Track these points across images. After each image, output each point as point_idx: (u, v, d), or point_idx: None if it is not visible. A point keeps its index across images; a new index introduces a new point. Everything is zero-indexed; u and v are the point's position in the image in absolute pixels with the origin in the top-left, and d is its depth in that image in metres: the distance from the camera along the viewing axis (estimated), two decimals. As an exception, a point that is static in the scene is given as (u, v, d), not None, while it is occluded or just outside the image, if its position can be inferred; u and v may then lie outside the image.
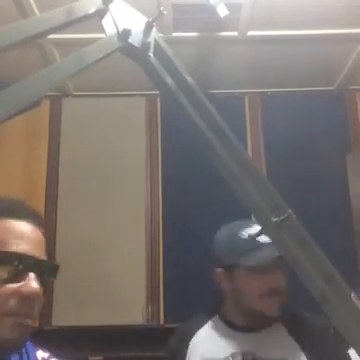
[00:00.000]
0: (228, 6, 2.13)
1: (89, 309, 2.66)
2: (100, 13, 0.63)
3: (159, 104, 3.02)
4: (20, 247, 0.81)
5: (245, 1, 2.26)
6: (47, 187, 2.92)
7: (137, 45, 0.65)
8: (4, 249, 0.80)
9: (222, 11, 2.12)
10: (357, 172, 2.85)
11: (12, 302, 0.78)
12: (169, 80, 0.67)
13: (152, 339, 2.63)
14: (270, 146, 3.02)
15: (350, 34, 2.50)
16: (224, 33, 2.52)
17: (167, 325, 2.73)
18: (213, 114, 0.69)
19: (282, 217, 0.66)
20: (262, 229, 0.70)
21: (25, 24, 0.54)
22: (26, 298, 0.79)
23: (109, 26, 0.63)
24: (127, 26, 0.63)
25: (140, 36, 0.66)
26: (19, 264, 0.80)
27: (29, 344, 0.89)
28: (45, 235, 0.89)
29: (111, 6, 0.64)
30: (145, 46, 0.66)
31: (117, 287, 2.72)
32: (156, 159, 2.98)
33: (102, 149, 2.97)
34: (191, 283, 2.75)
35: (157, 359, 2.64)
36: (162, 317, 2.77)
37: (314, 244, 0.68)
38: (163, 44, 0.68)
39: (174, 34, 2.50)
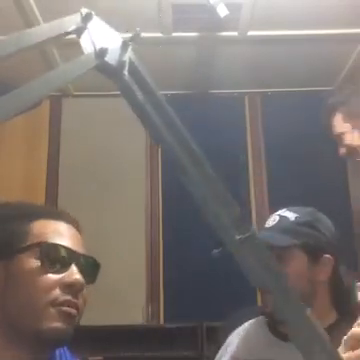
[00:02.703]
0: (228, 6, 2.13)
1: (89, 309, 2.65)
2: (78, 31, 0.66)
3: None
4: (61, 241, 0.84)
5: (245, 1, 2.26)
6: (47, 187, 2.92)
7: (113, 63, 0.67)
8: (46, 241, 0.82)
9: (222, 11, 2.13)
10: (357, 173, 2.84)
11: (57, 291, 0.80)
12: (142, 98, 0.70)
13: (152, 339, 2.64)
14: (270, 146, 3.02)
15: (350, 34, 2.50)
16: (224, 33, 2.52)
17: (167, 325, 2.73)
18: (184, 133, 0.72)
19: (246, 235, 0.68)
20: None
21: (8, 41, 0.56)
22: (70, 287, 0.81)
23: (87, 44, 0.65)
24: (104, 45, 0.65)
25: (116, 55, 0.68)
26: (61, 255, 0.82)
27: (69, 355, 0.90)
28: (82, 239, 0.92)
29: (89, 24, 0.66)
30: (121, 65, 0.68)
31: (117, 287, 2.72)
32: (156, 159, 2.99)
33: (102, 149, 2.97)
34: (191, 283, 2.75)
35: (157, 359, 2.66)
36: (162, 317, 2.77)
37: (274, 262, 0.71)
38: (137, 62, 0.71)
39: (174, 34, 2.50)
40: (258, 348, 1.29)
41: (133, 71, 0.70)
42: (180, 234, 2.85)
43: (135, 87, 0.70)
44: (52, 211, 0.92)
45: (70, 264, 0.82)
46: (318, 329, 0.68)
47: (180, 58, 2.73)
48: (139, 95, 0.70)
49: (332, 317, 1.29)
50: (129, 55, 0.70)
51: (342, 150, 1.75)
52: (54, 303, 0.79)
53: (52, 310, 0.79)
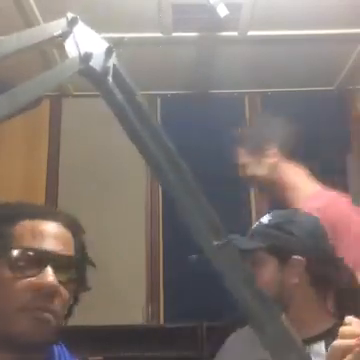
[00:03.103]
0: (228, 6, 2.13)
1: (89, 309, 2.65)
2: (64, 35, 0.66)
3: (159, 104, 3.02)
4: (38, 243, 0.81)
5: (245, 1, 2.26)
6: (47, 187, 2.92)
7: (98, 69, 0.68)
8: (20, 244, 0.80)
9: (222, 11, 2.13)
10: (357, 173, 2.84)
11: (27, 296, 0.77)
12: (126, 105, 0.72)
13: (152, 339, 2.63)
14: (270, 146, 3.01)
15: (350, 34, 2.50)
16: (224, 33, 2.52)
17: (167, 325, 2.73)
18: (165, 139, 0.72)
19: (222, 241, 0.70)
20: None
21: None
22: (41, 291, 0.78)
23: (71, 48, 0.65)
24: (89, 49, 0.66)
25: (100, 60, 0.68)
26: (33, 258, 0.79)
27: (68, 355, 0.88)
28: (75, 236, 0.90)
29: (75, 29, 0.66)
30: (105, 70, 0.69)
31: (117, 287, 2.72)
32: (156, 159, 2.98)
33: (102, 149, 2.97)
34: (191, 283, 2.75)
35: (157, 359, 2.65)
36: (162, 317, 2.77)
37: (248, 269, 0.73)
38: (121, 69, 0.71)
39: (174, 34, 2.50)
40: (250, 352, 1.25)
41: (115, 74, 0.70)
42: (180, 234, 2.83)
43: (119, 94, 0.70)
44: (39, 211, 0.89)
45: (45, 266, 0.79)
46: (293, 335, 0.68)
47: (180, 58, 2.72)
48: (122, 100, 0.70)
49: (327, 322, 1.24)
50: (113, 61, 0.70)
51: (245, 178, 1.99)
52: (24, 309, 0.77)
53: (23, 315, 0.77)
